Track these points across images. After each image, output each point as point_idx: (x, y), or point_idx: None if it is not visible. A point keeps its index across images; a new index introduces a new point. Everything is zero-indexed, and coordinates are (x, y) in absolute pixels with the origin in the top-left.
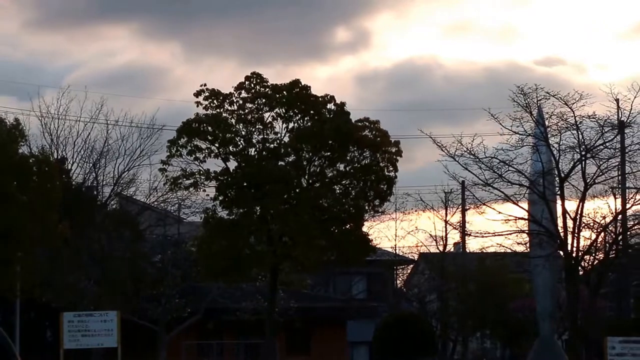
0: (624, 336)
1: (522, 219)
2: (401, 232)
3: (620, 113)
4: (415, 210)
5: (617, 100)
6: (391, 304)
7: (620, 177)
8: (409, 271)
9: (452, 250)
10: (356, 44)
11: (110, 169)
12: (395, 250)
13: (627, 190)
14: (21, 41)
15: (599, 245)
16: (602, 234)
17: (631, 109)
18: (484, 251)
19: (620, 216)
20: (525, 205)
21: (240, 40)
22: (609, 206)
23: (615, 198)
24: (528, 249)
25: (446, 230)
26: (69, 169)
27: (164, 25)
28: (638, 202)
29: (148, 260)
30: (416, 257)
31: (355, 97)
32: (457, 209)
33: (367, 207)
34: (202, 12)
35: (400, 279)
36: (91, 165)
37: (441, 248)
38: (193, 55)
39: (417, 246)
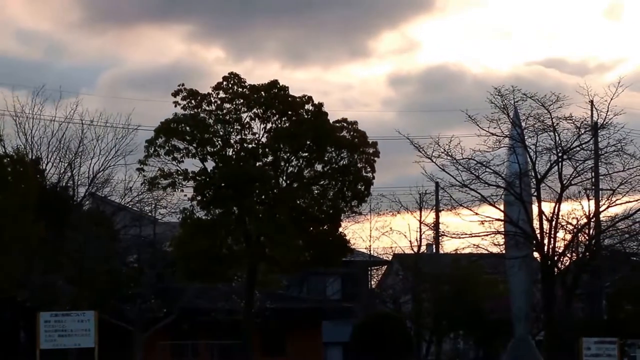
0: (597, 337)
1: (498, 220)
2: (376, 233)
3: (598, 114)
4: (391, 213)
5: (591, 102)
6: (366, 305)
7: (593, 179)
8: (382, 272)
9: (425, 251)
10: (396, 46)
11: (85, 168)
12: (370, 251)
13: (601, 192)
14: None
15: (574, 246)
16: (578, 235)
17: (607, 111)
18: (459, 252)
19: (594, 218)
20: (501, 206)
21: (283, 42)
22: (582, 208)
23: (589, 200)
24: (504, 250)
25: (420, 231)
26: (44, 169)
27: (210, 27)
28: (613, 204)
29: (123, 261)
30: (390, 258)
31: (384, 98)
32: (431, 210)
33: (344, 208)
34: (249, 14)
35: (375, 280)
36: (67, 164)
37: (415, 249)
38: (236, 57)
39: (391, 248)
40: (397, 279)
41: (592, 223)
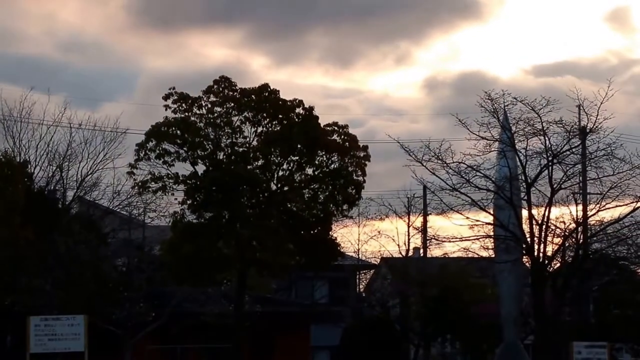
0: (584, 341)
1: (489, 224)
2: (364, 236)
3: (587, 119)
4: (380, 218)
5: (578, 107)
6: (354, 309)
7: (581, 183)
8: (370, 276)
9: (412, 254)
10: (438, 53)
11: (73, 172)
12: (358, 255)
13: (589, 195)
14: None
15: (563, 250)
16: (568, 239)
17: (597, 115)
18: (447, 256)
19: (586, 221)
20: (491, 210)
21: (327, 47)
22: (570, 212)
23: (577, 204)
24: (493, 254)
25: (409, 235)
26: (32, 173)
27: (255, 34)
28: (603, 208)
29: (112, 264)
30: (378, 262)
31: (417, 101)
32: (420, 214)
33: (335, 212)
34: (294, 20)
35: (363, 284)
36: (55, 167)
37: (404, 253)
38: (280, 63)
39: (379, 251)
40: (385, 282)
41: (580, 227)
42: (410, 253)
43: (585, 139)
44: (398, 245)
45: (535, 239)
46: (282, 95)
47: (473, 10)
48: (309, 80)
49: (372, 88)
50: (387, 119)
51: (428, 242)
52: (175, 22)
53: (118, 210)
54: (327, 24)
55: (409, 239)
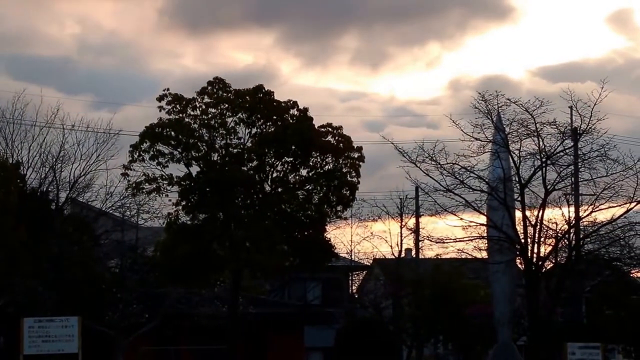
0: (577, 342)
1: (483, 225)
2: (357, 237)
3: (581, 120)
4: (373, 219)
5: (570, 108)
6: (347, 310)
7: (573, 185)
8: (362, 277)
9: (403, 255)
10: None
11: (66, 173)
12: (351, 256)
13: (581, 197)
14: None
15: (557, 251)
16: (561, 240)
17: (591, 116)
18: (440, 257)
19: (574, 223)
20: (485, 211)
21: (357, 50)
22: (562, 213)
23: (569, 205)
24: (487, 255)
25: (401, 236)
26: (24, 174)
27: (288, 35)
28: (597, 209)
29: (105, 266)
30: (370, 262)
31: (439, 102)
32: (412, 215)
33: (329, 213)
34: (327, 22)
35: (355, 285)
36: (48, 168)
37: (397, 254)
38: (310, 63)
39: (372, 252)
40: (378, 283)
41: (573, 228)
42: (402, 254)
43: (577, 140)
44: (391, 246)
45: (529, 240)
46: (309, 97)
47: (504, 12)
48: (336, 82)
49: (397, 90)
50: (409, 122)
51: (421, 242)
52: (206, 25)
53: (111, 211)
54: (358, 27)
55: (401, 240)
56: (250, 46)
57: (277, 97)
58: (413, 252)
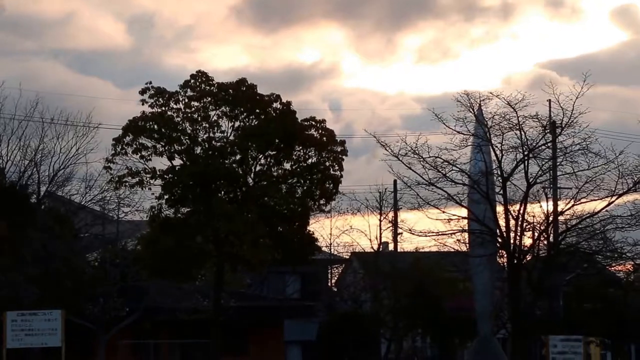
0: (554, 334)
1: (465, 218)
2: (336, 231)
3: (564, 113)
4: (352, 213)
5: (549, 102)
6: (327, 304)
7: (552, 178)
8: (341, 270)
9: (380, 249)
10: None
11: (45, 167)
12: (330, 249)
13: (561, 190)
14: None
15: (538, 244)
16: (543, 234)
17: (573, 109)
18: (419, 251)
19: (559, 216)
20: (467, 205)
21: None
22: (541, 207)
23: (548, 198)
24: (469, 249)
25: (380, 229)
26: (3, 167)
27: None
28: (579, 202)
29: (86, 259)
30: (349, 256)
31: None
32: (391, 209)
33: (312, 207)
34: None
35: (334, 279)
36: (28, 162)
37: (375, 247)
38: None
39: (351, 245)
40: (357, 277)
41: (552, 221)
42: (379, 247)
43: (555, 134)
44: (370, 239)
45: (511, 233)
46: (374, 89)
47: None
48: (398, 79)
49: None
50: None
51: (400, 236)
52: (275, 21)
53: (91, 205)
54: (421, 24)
55: (380, 234)
56: (315, 43)
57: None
58: (391, 246)
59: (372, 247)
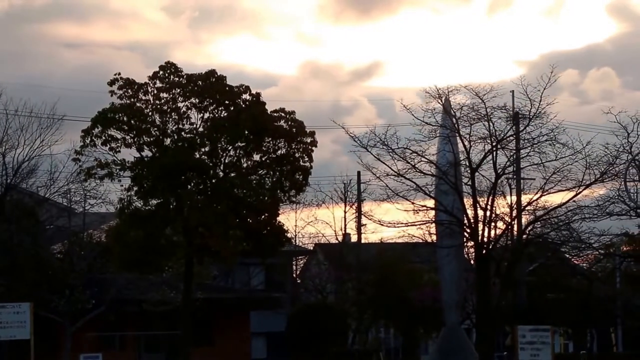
0: (518, 324)
1: (433, 209)
2: (301, 222)
3: (531, 104)
4: (316, 204)
5: (512, 92)
6: (293, 296)
7: (515, 169)
8: (305, 262)
9: (342, 240)
10: None
11: (9, 159)
12: (295, 241)
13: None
14: None
15: (507, 234)
16: (512, 224)
17: (540, 100)
18: (383, 242)
19: (526, 207)
20: (435, 196)
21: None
22: (505, 198)
23: (511, 189)
24: (437, 239)
25: (345, 221)
26: None
27: None
28: (547, 193)
29: (51, 252)
30: (312, 247)
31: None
32: (355, 201)
33: (282, 198)
34: None
35: (298, 270)
36: None
37: (340, 239)
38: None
39: (316, 235)
40: (322, 268)
41: (518, 212)
42: (343, 238)
43: (518, 124)
44: (335, 231)
45: (480, 223)
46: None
47: None
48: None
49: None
50: None
51: (363, 227)
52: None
53: (56, 197)
54: None
55: (345, 225)
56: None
57: None
58: (354, 237)
59: (336, 239)
